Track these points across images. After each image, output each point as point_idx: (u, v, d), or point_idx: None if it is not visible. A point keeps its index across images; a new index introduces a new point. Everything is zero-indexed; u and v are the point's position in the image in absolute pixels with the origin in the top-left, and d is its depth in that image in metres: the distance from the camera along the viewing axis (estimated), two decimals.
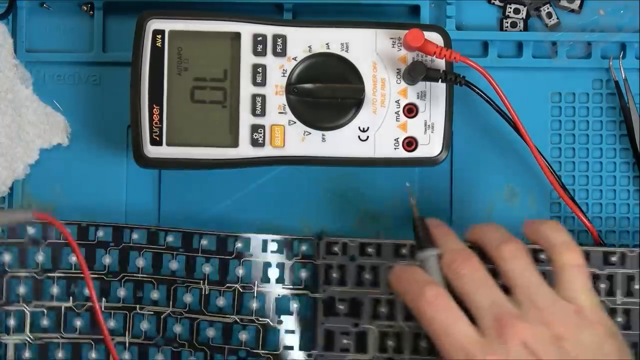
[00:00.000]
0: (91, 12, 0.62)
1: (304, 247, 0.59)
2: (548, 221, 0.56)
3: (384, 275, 0.58)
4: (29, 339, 0.59)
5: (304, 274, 0.59)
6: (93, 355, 0.59)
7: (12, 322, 0.59)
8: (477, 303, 0.52)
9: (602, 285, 0.58)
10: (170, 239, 0.59)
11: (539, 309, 0.52)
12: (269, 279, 0.59)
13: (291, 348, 0.59)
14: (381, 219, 0.62)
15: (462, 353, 0.51)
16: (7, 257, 0.59)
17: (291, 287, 0.59)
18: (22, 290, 0.59)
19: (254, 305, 0.59)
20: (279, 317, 0.59)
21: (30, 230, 0.59)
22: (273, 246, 0.59)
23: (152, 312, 0.59)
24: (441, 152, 0.58)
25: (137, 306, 0.59)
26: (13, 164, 0.61)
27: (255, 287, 0.59)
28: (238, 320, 0.59)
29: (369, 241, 0.59)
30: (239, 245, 0.59)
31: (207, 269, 0.59)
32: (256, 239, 0.59)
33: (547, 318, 0.52)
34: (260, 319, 0.59)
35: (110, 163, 0.62)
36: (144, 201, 0.61)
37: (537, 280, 0.53)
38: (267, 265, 0.59)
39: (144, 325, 0.59)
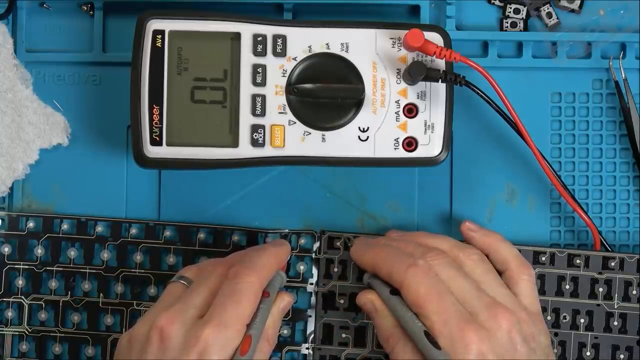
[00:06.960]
0: (91, 12, 0.62)
1: (302, 241, 0.60)
2: (493, 232, 0.58)
3: None
4: (26, 332, 0.59)
5: (302, 267, 0.60)
6: (90, 351, 0.59)
7: (10, 313, 0.59)
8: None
9: (600, 289, 0.59)
10: (167, 233, 0.60)
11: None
12: None
13: (289, 340, 0.59)
14: (381, 219, 0.62)
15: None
16: (6, 249, 0.59)
17: (288, 279, 0.59)
18: (20, 282, 0.59)
19: None
20: None
21: (30, 224, 0.60)
22: (270, 240, 0.60)
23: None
24: (441, 152, 0.57)
25: (134, 302, 0.60)
26: (13, 164, 0.61)
27: None
28: None
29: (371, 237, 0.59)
30: (235, 238, 0.60)
31: None
32: (253, 232, 0.60)
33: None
34: None
35: (110, 163, 0.62)
36: (144, 202, 0.61)
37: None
38: None
39: None
